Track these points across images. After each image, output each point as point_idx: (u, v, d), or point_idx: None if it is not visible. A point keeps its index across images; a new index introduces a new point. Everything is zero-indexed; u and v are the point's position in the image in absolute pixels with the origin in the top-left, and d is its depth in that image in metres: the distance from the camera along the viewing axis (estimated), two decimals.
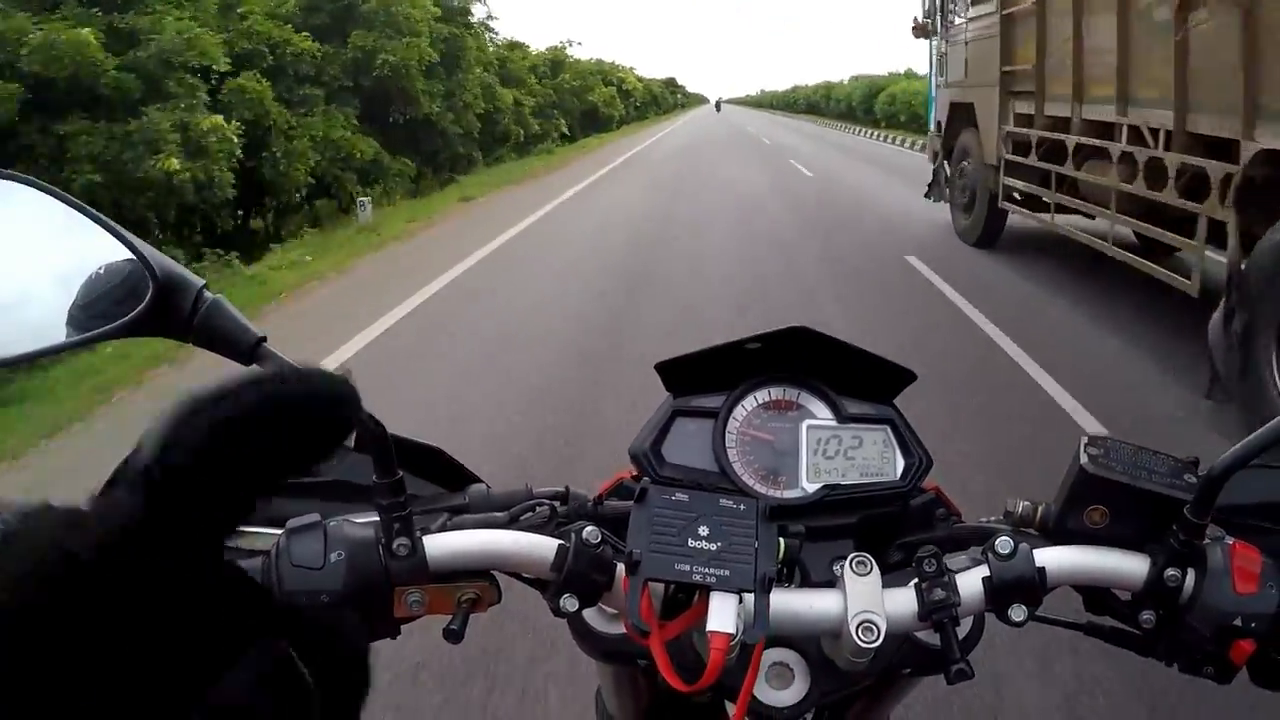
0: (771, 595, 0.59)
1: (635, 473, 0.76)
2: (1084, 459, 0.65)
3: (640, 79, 63.49)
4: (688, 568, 0.59)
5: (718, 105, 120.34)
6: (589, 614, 0.70)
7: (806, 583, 0.70)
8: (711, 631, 0.57)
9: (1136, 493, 0.63)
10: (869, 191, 14.44)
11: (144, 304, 0.57)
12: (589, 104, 36.84)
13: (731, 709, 0.75)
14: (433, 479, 0.74)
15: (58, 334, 0.60)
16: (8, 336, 0.60)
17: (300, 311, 7.50)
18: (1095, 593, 0.68)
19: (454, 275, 8.27)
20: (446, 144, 18.60)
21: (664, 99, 74.27)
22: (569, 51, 36.18)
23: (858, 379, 0.77)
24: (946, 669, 0.62)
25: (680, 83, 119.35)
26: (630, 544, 0.60)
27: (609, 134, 38.69)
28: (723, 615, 0.57)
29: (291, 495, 0.71)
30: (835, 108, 53.31)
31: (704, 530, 0.61)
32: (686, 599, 0.62)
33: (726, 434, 0.76)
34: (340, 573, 0.58)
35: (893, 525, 0.75)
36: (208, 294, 0.59)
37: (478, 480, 0.75)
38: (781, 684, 0.68)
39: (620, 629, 0.70)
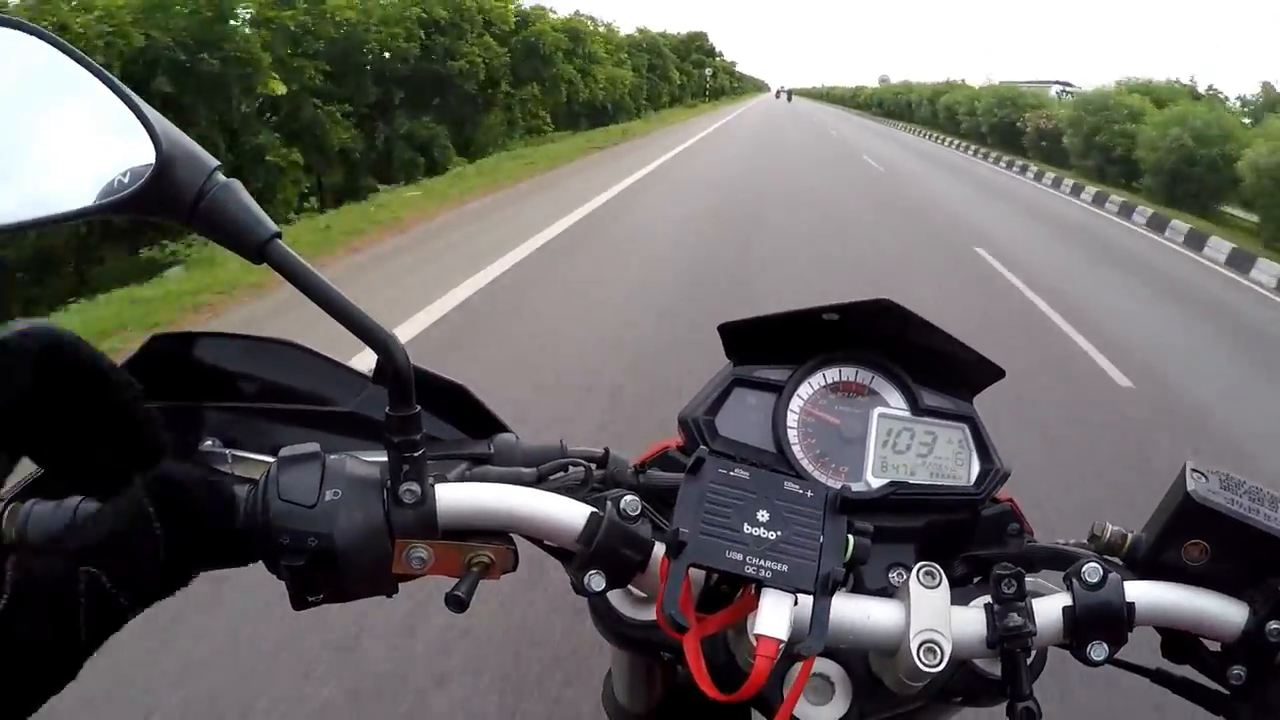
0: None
1: (681, 443, 0.68)
2: (1190, 485, 0.57)
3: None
4: (740, 557, 0.51)
5: (788, 95, 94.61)
6: (613, 594, 0.63)
7: (859, 589, 0.62)
8: (760, 635, 0.49)
9: (1245, 530, 0.56)
10: None
11: (145, 179, 0.50)
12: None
13: (758, 717, 0.67)
14: (454, 422, 0.66)
15: (62, 201, 0.53)
16: (11, 199, 0.53)
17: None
18: (1180, 638, 0.61)
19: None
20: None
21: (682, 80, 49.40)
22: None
23: (938, 369, 0.70)
24: (1011, 706, 0.55)
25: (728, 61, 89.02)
26: (676, 521, 0.52)
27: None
28: (774, 617, 0.50)
29: (294, 424, 0.64)
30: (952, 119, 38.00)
31: (763, 515, 0.53)
32: (730, 591, 0.54)
33: (789, 412, 0.68)
34: (335, 515, 0.50)
35: (960, 535, 0.67)
36: (220, 176, 0.51)
37: (505, 429, 0.66)
38: (819, 699, 0.60)
39: (648, 615, 0.63)
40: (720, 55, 74.27)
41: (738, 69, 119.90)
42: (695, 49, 58.85)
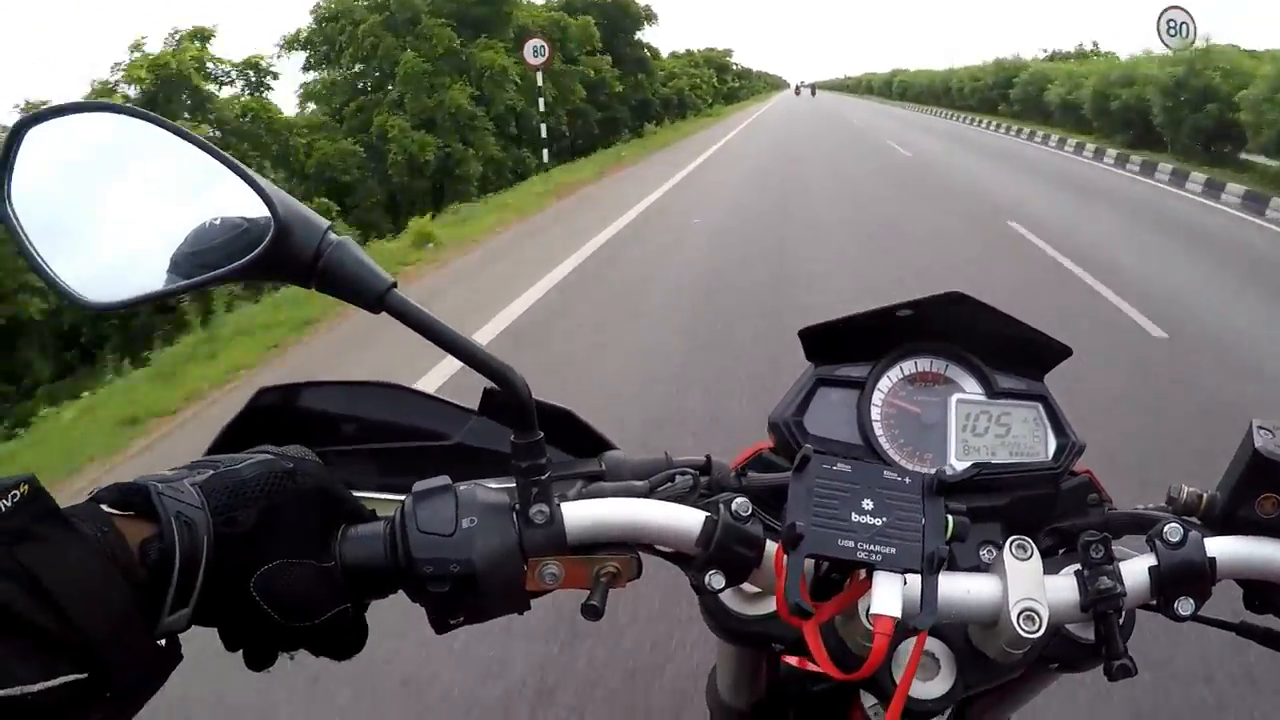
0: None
1: (773, 444, 0.71)
2: (1258, 441, 0.59)
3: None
4: (852, 544, 0.54)
5: (812, 90, 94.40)
6: (724, 594, 0.66)
7: (953, 567, 0.65)
8: (876, 615, 0.52)
9: None
10: None
11: (264, 243, 0.53)
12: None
13: (866, 699, 0.69)
14: (563, 445, 0.69)
15: (177, 275, 0.56)
16: (117, 278, 0.56)
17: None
18: (1261, 589, 0.63)
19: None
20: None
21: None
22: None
23: (1008, 352, 0.72)
24: (1108, 664, 0.58)
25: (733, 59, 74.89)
26: (790, 516, 0.55)
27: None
28: (888, 597, 0.53)
29: (404, 460, 0.68)
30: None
31: (868, 504, 0.56)
32: (839, 580, 0.57)
33: (872, 406, 0.71)
34: (472, 540, 0.54)
35: (1043, 509, 0.69)
36: (333, 236, 0.54)
37: (611, 446, 0.70)
38: (927, 675, 0.63)
39: (758, 609, 0.66)
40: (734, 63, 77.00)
41: (753, 69, 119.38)
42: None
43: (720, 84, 59.27)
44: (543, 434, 0.56)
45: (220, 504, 0.51)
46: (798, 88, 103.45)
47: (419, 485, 0.56)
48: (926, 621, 0.53)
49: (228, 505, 0.51)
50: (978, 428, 0.71)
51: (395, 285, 0.54)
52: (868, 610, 0.53)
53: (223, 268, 0.54)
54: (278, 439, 0.65)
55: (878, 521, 0.55)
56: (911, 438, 0.70)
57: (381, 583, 0.56)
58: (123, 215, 0.59)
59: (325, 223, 0.55)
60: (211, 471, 0.53)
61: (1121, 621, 0.62)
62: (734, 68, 74.43)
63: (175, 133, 0.57)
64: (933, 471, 0.64)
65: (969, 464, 0.69)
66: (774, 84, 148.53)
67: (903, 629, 0.53)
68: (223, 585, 0.50)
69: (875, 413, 0.71)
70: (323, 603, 0.54)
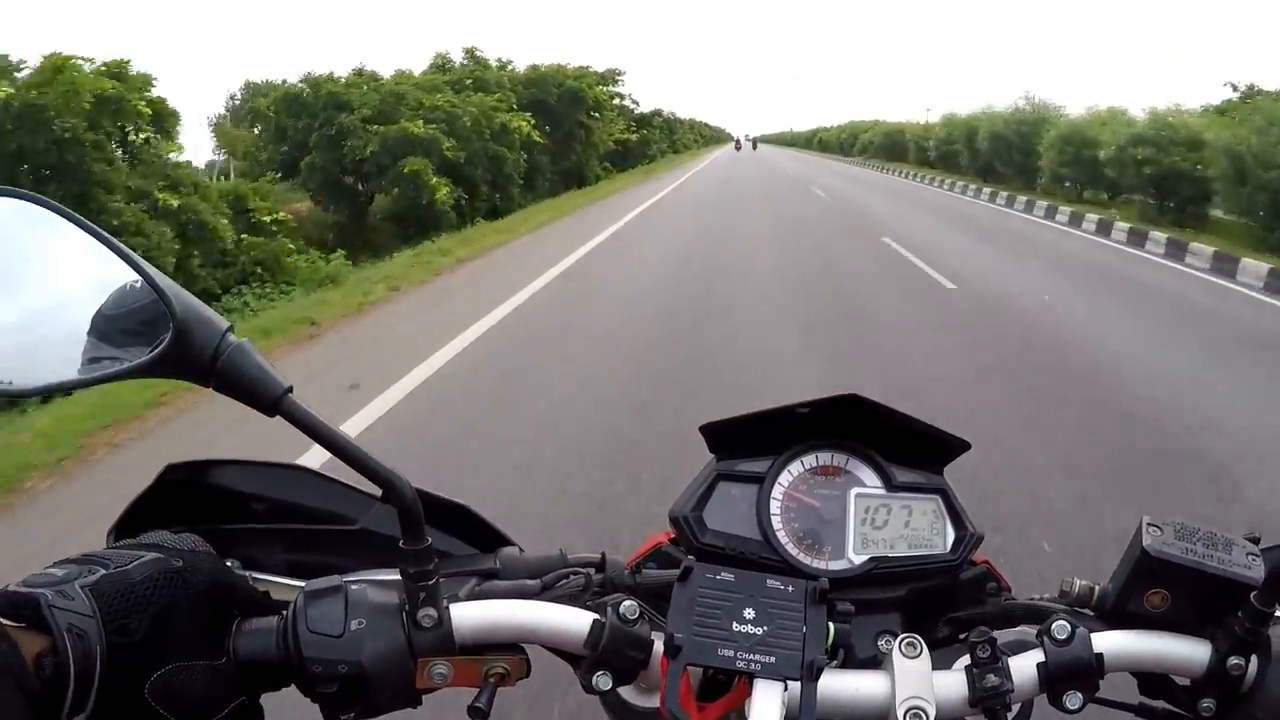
0: None
1: (673, 536, 0.72)
2: (1146, 540, 0.61)
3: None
4: (731, 653, 0.56)
5: (753, 143, 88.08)
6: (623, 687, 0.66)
7: (850, 659, 0.66)
8: None
9: (1200, 576, 0.60)
10: None
11: (162, 344, 0.53)
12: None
13: None
14: (462, 536, 0.70)
15: (71, 369, 0.56)
16: (20, 368, 0.56)
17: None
18: (1153, 677, 0.65)
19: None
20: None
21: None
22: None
23: (908, 446, 0.73)
24: None
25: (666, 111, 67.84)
26: (671, 626, 0.56)
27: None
28: (767, 705, 0.54)
29: (310, 543, 0.68)
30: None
31: (749, 613, 0.57)
32: (727, 680, 0.58)
33: (771, 500, 0.72)
34: (361, 642, 0.54)
35: (942, 599, 0.71)
36: (232, 337, 0.54)
37: (508, 541, 0.71)
38: None
39: (655, 702, 0.66)
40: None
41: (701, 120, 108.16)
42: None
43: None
44: (430, 540, 0.56)
45: (112, 611, 0.51)
46: (738, 142, 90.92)
47: (310, 584, 0.56)
48: None
49: (120, 612, 0.51)
50: (877, 521, 0.72)
51: (291, 390, 0.54)
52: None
53: (125, 364, 0.54)
54: (185, 515, 0.65)
55: (759, 630, 0.57)
56: (811, 531, 0.71)
57: (274, 677, 0.56)
58: (32, 303, 0.58)
59: (225, 323, 0.55)
60: (102, 572, 0.53)
61: (1016, 712, 0.64)
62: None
63: (77, 224, 0.57)
64: (824, 566, 0.66)
65: (867, 558, 0.70)
66: (718, 137, 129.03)
67: None
68: (118, 692, 0.51)
69: (775, 506, 0.71)
70: (218, 700, 0.54)
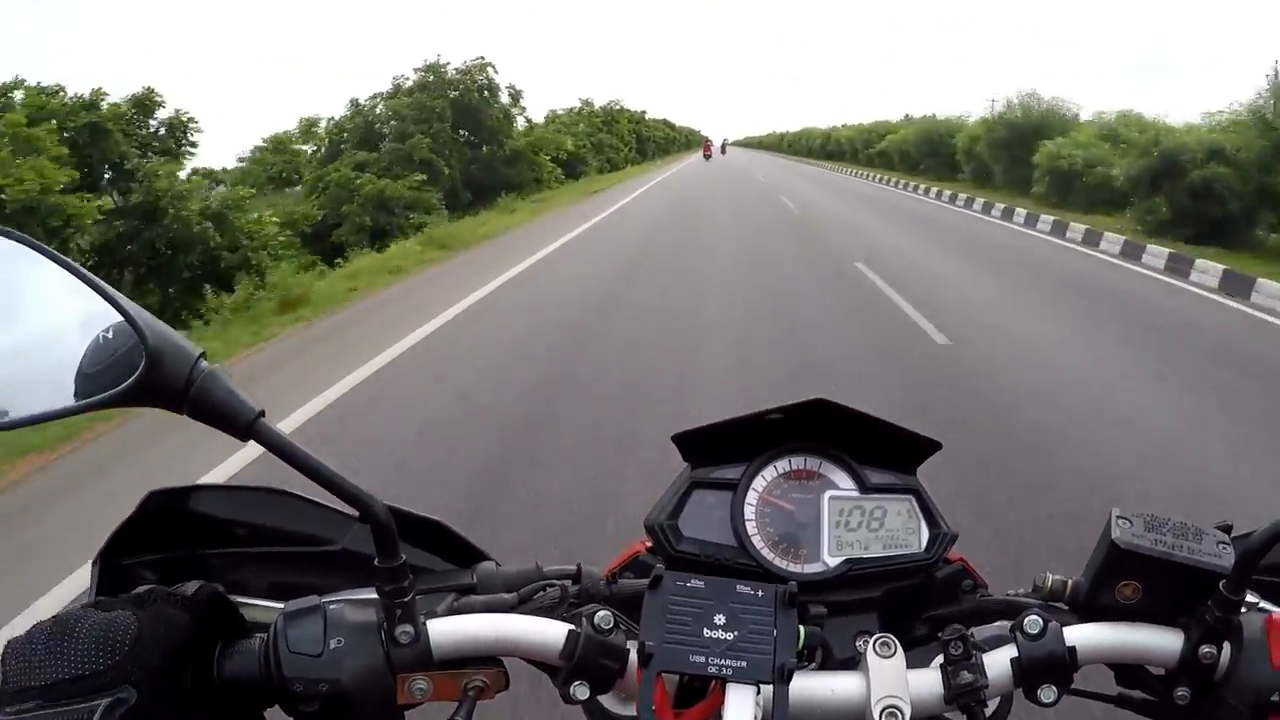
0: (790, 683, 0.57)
1: (650, 545, 0.73)
2: (1115, 533, 0.62)
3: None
4: (703, 659, 0.57)
5: (722, 148, 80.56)
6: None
7: (828, 660, 0.67)
8: None
9: (1170, 566, 0.61)
10: None
11: (137, 373, 0.54)
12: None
13: None
14: (438, 552, 0.72)
15: (61, 399, 0.57)
16: (13, 398, 0.57)
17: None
18: (1128, 668, 0.66)
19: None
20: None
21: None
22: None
23: (880, 448, 0.74)
24: None
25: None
26: (644, 635, 0.58)
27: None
28: (740, 708, 0.55)
29: (291, 565, 0.69)
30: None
31: (720, 619, 0.59)
32: (703, 686, 0.59)
33: (745, 505, 0.73)
34: (340, 661, 0.56)
35: (917, 598, 0.72)
36: (204, 364, 0.56)
37: (485, 556, 0.72)
38: None
39: (634, 710, 0.67)
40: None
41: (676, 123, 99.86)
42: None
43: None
44: (405, 558, 0.57)
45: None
46: (707, 147, 79.33)
47: (290, 605, 0.58)
48: None
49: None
50: (850, 523, 0.72)
51: (263, 414, 0.56)
52: None
53: (104, 393, 0.56)
54: (167, 541, 0.66)
55: (730, 635, 0.58)
56: (786, 535, 0.72)
57: (258, 698, 0.58)
58: (21, 337, 0.60)
59: (196, 350, 0.56)
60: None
61: (995, 708, 0.65)
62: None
63: (58, 262, 0.59)
64: (799, 569, 0.67)
65: (842, 559, 0.71)
66: (687, 142, 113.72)
67: None
68: None
69: (749, 512, 0.72)
70: None
